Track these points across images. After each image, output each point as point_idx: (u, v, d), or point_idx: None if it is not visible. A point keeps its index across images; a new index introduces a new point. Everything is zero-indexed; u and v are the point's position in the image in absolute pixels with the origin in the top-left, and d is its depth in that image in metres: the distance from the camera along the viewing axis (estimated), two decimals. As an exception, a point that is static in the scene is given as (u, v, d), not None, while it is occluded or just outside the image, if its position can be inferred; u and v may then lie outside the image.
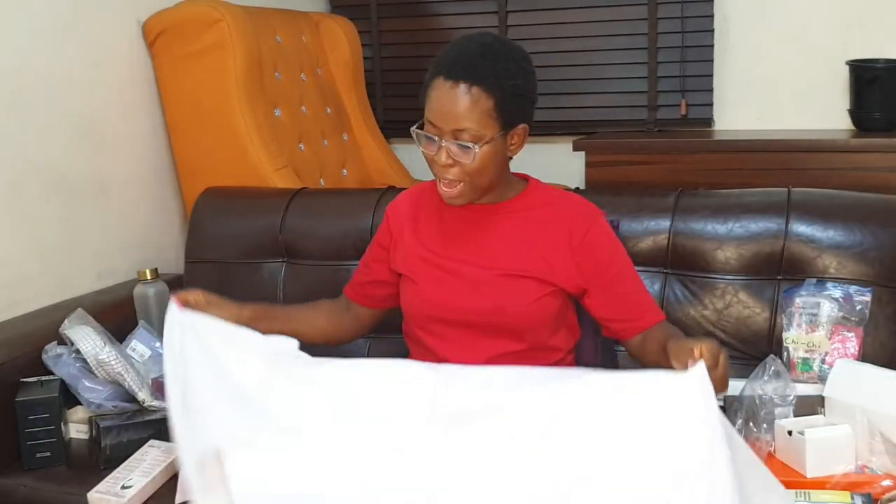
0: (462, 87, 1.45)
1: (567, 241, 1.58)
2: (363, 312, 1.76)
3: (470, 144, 1.46)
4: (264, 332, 1.47)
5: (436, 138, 1.48)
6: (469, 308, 1.58)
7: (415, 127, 1.52)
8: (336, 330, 1.76)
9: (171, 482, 1.60)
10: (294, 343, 1.45)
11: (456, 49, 1.51)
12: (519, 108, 1.51)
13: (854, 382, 1.53)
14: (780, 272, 1.84)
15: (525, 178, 1.67)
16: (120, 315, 2.02)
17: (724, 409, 1.68)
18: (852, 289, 1.70)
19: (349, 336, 1.79)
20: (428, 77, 1.52)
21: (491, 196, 1.61)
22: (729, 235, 1.86)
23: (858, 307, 1.66)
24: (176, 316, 1.38)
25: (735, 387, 1.66)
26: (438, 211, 1.66)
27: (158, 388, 1.80)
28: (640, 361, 1.59)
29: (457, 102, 1.45)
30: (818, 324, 1.67)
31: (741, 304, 1.85)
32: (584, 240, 1.58)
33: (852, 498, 1.34)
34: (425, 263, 1.63)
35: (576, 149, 2.99)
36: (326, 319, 1.74)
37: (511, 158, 1.58)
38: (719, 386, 1.23)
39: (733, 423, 1.55)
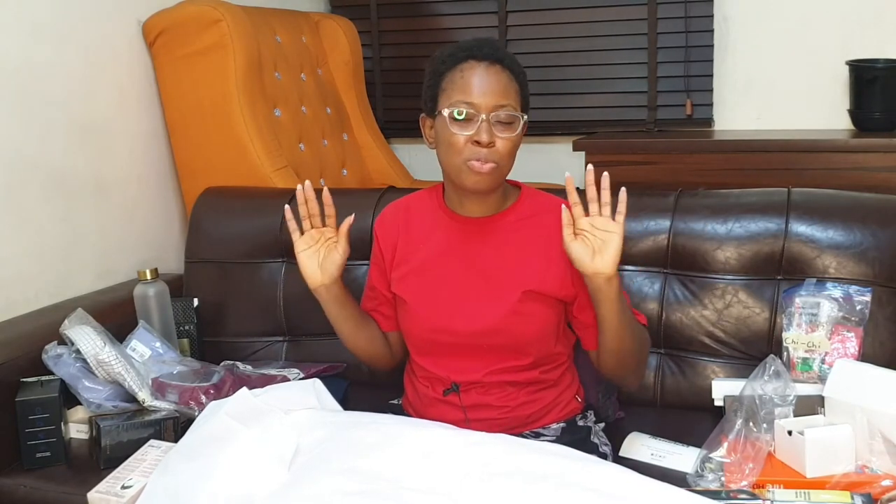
0: (498, 66, 1.51)
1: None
2: (392, 337, 1.74)
3: (517, 114, 1.50)
4: (338, 315, 1.66)
5: (475, 114, 1.48)
6: (472, 332, 1.58)
7: (447, 111, 1.50)
8: (375, 354, 1.74)
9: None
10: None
11: (469, 42, 1.55)
12: (528, 98, 1.57)
13: (854, 382, 1.53)
14: (780, 272, 1.84)
15: (517, 185, 1.66)
16: (120, 315, 2.02)
17: (723, 409, 1.68)
18: (852, 289, 1.70)
19: (386, 362, 1.76)
20: (443, 66, 1.53)
21: (489, 205, 1.60)
22: (729, 235, 1.86)
23: (858, 307, 1.66)
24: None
25: (735, 387, 1.67)
26: (433, 226, 1.64)
27: (158, 388, 1.80)
28: (597, 367, 1.63)
29: (497, 79, 1.50)
30: (818, 324, 1.67)
31: (741, 304, 1.85)
32: None
33: (852, 498, 1.34)
34: (422, 284, 1.62)
35: (576, 149, 2.99)
36: (368, 341, 1.73)
37: None
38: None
39: (733, 423, 1.56)
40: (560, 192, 1.90)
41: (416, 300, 1.62)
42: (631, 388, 1.76)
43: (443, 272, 1.61)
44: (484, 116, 1.48)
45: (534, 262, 1.58)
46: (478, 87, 1.49)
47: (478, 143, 1.48)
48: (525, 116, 1.53)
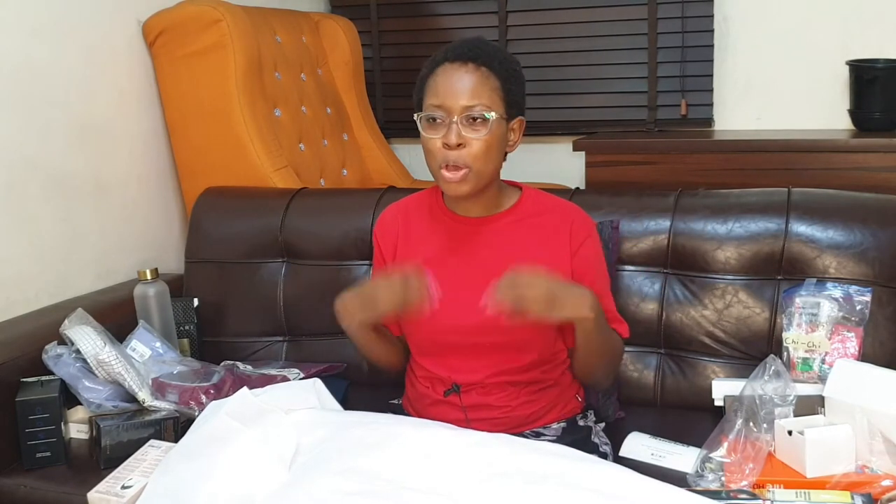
0: (470, 65, 1.48)
1: (567, 247, 1.58)
2: (403, 340, 1.73)
3: (485, 114, 1.47)
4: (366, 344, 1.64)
5: (446, 117, 1.47)
6: (473, 330, 1.57)
7: (420, 115, 1.50)
8: (395, 360, 1.74)
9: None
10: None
11: (452, 45, 1.54)
12: (519, 95, 1.54)
13: (854, 382, 1.53)
14: (780, 272, 1.84)
15: (518, 186, 1.66)
16: (120, 315, 2.02)
17: (723, 409, 1.68)
18: (852, 289, 1.70)
19: (401, 364, 1.75)
20: (426, 71, 1.53)
21: (486, 205, 1.60)
22: (729, 235, 1.86)
23: (858, 307, 1.66)
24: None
25: (735, 387, 1.67)
26: (432, 226, 1.64)
27: (158, 388, 1.80)
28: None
29: (467, 79, 1.48)
30: (818, 324, 1.67)
31: (741, 304, 1.85)
32: (581, 249, 1.59)
33: (852, 498, 1.34)
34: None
35: (576, 149, 2.99)
36: (386, 349, 1.73)
37: (506, 157, 1.58)
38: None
39: (733, 423, 1.56)
40: (560, 191, 1.91)
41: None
42: (598, 388, 1.77)
43: (443, 272, 1.60)
44: (454, 118, 1.47)
45: (535, 261, 1.57)
46: (447, 89, 1.47)
47: (447, 146, 1.47)
48: (494, 114, 1.48)
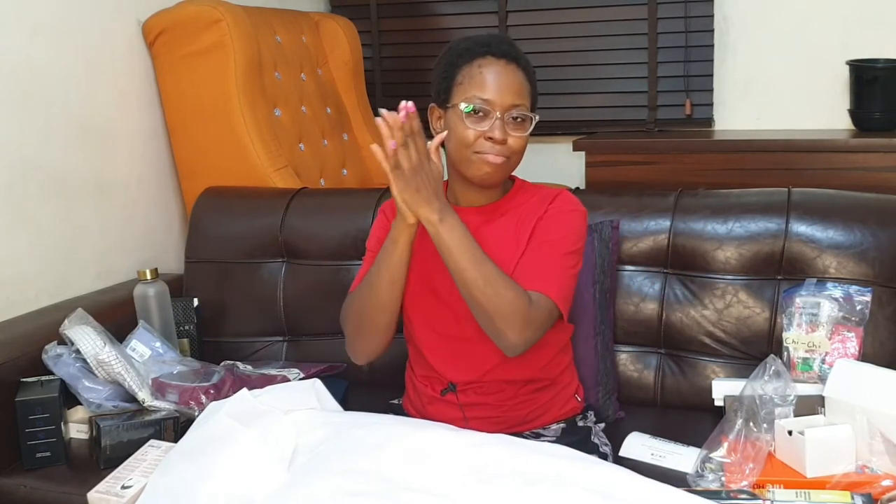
0: (514, 65, 1.53)
1: (541, 216, 1.58)
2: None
3: (529, 114, 1.52)
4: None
5: (490, 111, 1.49)
6: (471, 321, 1.57)
7: (463, 105, 1.50)
8: (385, 321, 1.62)
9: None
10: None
11: (486, 37, 1.56)
12: (537, 97, 1.58)
13: (854, 382, 1.53)
14: (780, 272, 1.84)
15: (511, 178, 1.67)
16: (120, 315, 2.02)
17: (723, 409, 1.68)
18: (852, 289, 1.70)
19: (381, 349, 1.64)
20: (462, 59, 1.54)
21: (490, 195, 1.60)
22: (729, 235, 1.87)
23: (858, 307, 1.66)
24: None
25: (735, 387, 1.67)
26: None
27: (158, 388, 1.80)
28: None
29: (514, 78, 1.52)
30: (818, 324, 1.67)
31: (741, 304, 1.85)
32: (548, 212, 1.57)
33: (852, 498, 1.34)
34: (419, 275, 1.61)
35: (576, 149, 2.99)
36: (393, 298, 1.60)
37: None
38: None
39: (733, 423, 1.56)
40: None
41: (414, 297, 1.62)
42: (505, 346, 1.53)
43: (439, 267, 1.60)
44: (499, 114, 1.50)
45: (522, 244, 1.57)
46: (495, 85, 1.50)
47: (491, 139, 1.50)
48: (536, 116, 1.55)
